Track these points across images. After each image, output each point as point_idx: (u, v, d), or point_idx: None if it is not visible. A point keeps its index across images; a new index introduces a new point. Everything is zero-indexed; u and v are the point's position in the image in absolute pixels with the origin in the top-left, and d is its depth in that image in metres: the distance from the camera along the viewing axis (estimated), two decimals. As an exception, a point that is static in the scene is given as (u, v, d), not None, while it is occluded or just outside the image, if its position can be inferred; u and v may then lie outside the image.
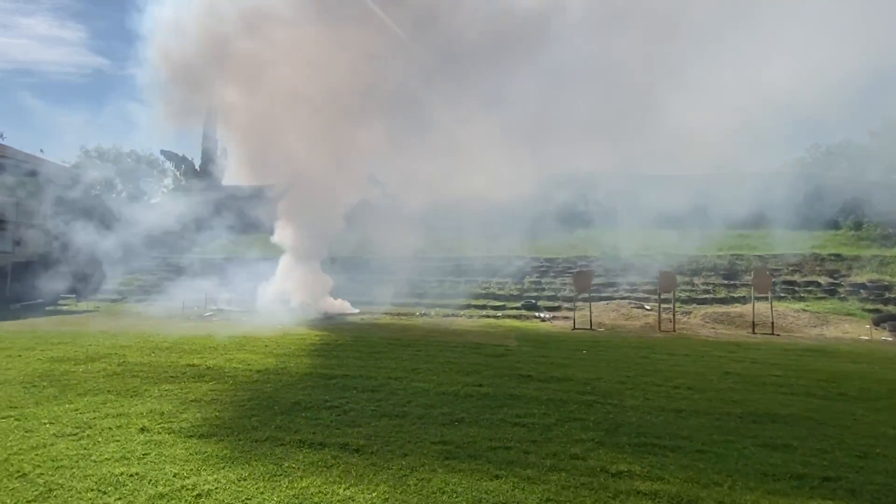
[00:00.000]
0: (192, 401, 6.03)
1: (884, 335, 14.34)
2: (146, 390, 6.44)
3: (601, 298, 18.56)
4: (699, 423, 5.51)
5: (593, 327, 15.20)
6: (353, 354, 9.26)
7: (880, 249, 20.31)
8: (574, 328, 15.11)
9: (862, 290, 18.02)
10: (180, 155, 41.27)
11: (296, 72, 14.78)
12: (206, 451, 4.40)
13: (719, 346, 11.52)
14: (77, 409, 5.59)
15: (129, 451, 4.39)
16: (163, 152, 39.51)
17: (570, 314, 18.04)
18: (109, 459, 4.23)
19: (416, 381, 7.11)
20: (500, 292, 19.70)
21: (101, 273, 21.44)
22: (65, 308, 18.15)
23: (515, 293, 19.56)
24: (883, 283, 18.20)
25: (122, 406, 5.76)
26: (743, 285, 18.96)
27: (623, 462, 4.34)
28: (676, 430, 5.28)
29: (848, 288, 18.34)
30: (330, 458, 4.31)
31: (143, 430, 4.94)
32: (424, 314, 17.81)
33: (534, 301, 18.77)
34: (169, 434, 4.84)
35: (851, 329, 15.30)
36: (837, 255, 19.99)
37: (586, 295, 16.79)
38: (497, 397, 6.38)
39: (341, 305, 17.48)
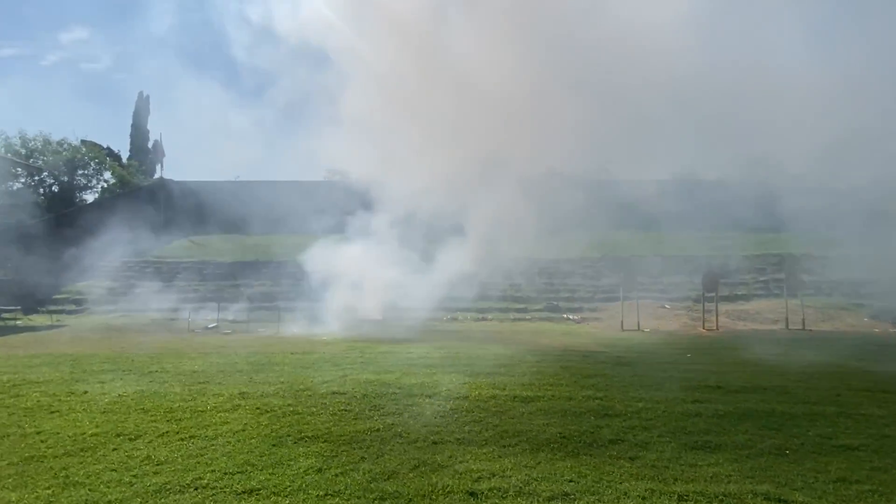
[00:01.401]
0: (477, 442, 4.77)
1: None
2: (367, 429, 5.02)
3: (616, 299, 18.63)
4: None
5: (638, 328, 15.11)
6: (487, 369, 8.18)
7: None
8: (623, 329, 14.91)
9: (840, 287, 19.62)
10: (105, 146, 36.22)
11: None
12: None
13: (790, 343, 11.80)
14: (312, 468, 4.15)
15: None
16: (84, 142, 34.26)
17: (597, 315, 17.93)
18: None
19: (636, 402, 6.27)
20: (518, 294, 19.15)
21: (50, 281, 18.04)
22: (20, 324, 14.84)
23: (534, 295, 19.10)
24: (854, 280, 19.94)
25: (368, 459, 4.38)
26: (741, 283, 20.05)
27: None
28: None
29: (829, 284, 19.89)
30: None
31: (471, 495, 3.70)
32: (453, 318, 16.78)
33: (555, 303, 18.44)
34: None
35: (854, 322, 16.56)
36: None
37: (634, 294, 16.69)
38: (754, 415, 5.74)
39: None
